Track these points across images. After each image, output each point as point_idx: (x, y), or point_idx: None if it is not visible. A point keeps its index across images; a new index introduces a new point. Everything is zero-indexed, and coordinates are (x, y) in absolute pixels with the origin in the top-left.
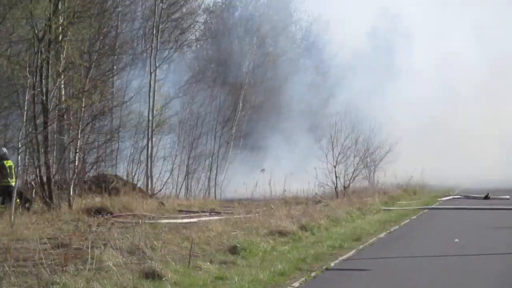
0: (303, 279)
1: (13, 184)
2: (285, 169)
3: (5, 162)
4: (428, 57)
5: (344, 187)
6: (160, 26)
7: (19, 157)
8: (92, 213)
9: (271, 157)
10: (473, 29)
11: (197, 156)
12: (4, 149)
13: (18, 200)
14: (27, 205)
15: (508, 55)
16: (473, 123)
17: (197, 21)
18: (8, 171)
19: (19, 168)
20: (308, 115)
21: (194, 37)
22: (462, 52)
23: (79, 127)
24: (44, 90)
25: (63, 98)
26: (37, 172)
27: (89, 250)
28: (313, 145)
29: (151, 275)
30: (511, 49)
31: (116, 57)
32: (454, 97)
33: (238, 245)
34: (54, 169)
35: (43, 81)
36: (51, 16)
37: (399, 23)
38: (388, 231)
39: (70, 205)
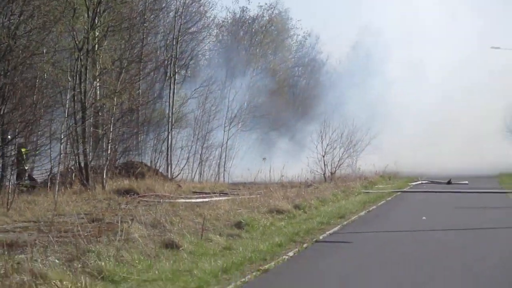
0: (297, 249)
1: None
2: (283, 158)
3: (22, 149)
4: (402, 61)
5: (331, 173)
6: (179, 38)
7: (61, 146)
8: (121, 193)
9: (271, 148)
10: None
11: (209, 146)
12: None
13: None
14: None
15: (468, 59)
16: (439, 119)
17: (210, 34)
18: (24, 157)
19: (61, 156)
20: (302, 113)
21: (207, 48)
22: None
23: (111, 122)
24: (82, 91)
25: (98, 98)
26: (77, 159)
27: (119, 224)
28: (306, 138)
29: (170, 245)
30: (469, 52)
31: (142, 64)
32: (420, 101)
33: (242, 221)
34: (90, 157)
35: (82, 83)
36: (89, 29)
37: (380, 35)
38: (367, 210)
39: (103, 187)
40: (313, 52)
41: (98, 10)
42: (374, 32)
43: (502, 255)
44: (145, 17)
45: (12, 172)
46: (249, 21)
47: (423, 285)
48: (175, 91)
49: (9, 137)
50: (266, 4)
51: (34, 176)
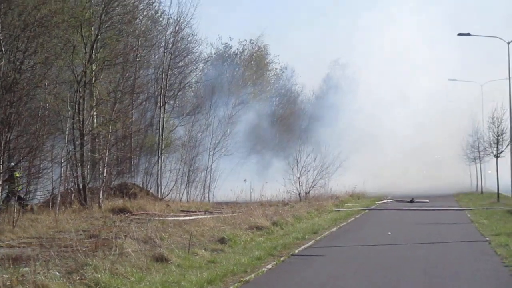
0: (275, 262)
1: (19, 189)
2: (262, 180)
3: (15, 173)
4: (369, 93)
5: (306, 193)
6: (168, 72)
7: (62, 169)
8: (116, 212)
9: (251, 171)
10: None
11: (195, 169)
12: (13, 163)
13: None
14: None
15: (430, 91)
16: (404, 145)
17: (197, 68)
18: (16, 180)
19: (61, 178)
20: (280, 139)
21: (194, 80)
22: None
23: (107, 147)
24: (81, 119)
25: (95, 125)
26: (75, 181)
27: (114, 240)
28: (283, 162)
29: (160, 259)
30: (431, 84)
31: (135, 95)
32: (386, 128)
33: (225, 237)
34: (88, 179)
35: (80, 112)
36: (87, 64)
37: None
38: (338, 227)
39: (99, 206)
40: (289, 84)
41: (95, 46)
42: (343, 65)
43: (456, 262)
44: (138, 53)
45: (3, 193)
46: (232, 56)
47: None
48: (165, 119)
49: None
50: (245, 40)
51: (23, 197)
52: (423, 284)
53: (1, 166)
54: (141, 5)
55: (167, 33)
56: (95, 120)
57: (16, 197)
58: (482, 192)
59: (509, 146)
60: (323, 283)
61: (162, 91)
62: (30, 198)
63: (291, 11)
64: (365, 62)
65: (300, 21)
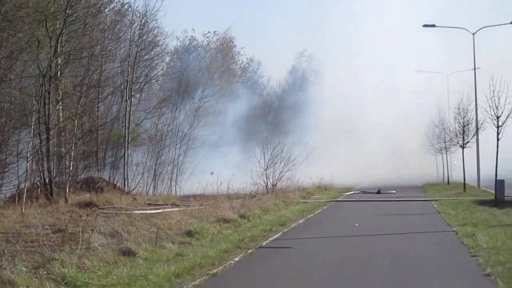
0: (242, 255)
1: None
2: (229, 172)
3: None
4: (335, 85)
5: (273, 185)
6: (135, 66)
7: (28, 164)
8: (82, 206)
9: (219, 163)
10: None
11: (162, 162)
12: None
13: None
14: None
15: (398, 82)
16: (370, 137)
17: (163, 61)
18: None
19: (27, 173)
20: (246, 132)
21: (160, 73)
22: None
23: (73, 141)
24: (46, 113)
25: (61, 120)
26: (42, 175)
27: (80, 234)
28: (250, 154)
29: (127, 252)
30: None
31: (100, 88)
32: (352, 120)
33: (192, 229)
34: (54, 173)
35: (46, 106)
36: (52, 58)
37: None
38: (305, 218)
39: (66, 200)
40: (255, 76)
41: (60, 40)
42: (308, 57)
43: (423, 253)
44: (104, 46)
45: None
46: (198, 49)
47: (358, 283)
48: (131, 113)
49: None
50: (209, 32)
51: None
52: (389, 275)
53: None
54: None
55: (133, 27)
56: (61, 114)
57: None
58: (448, 183)
59: (475, 137)
60: (291, 276)
61: (128, 84)
62: None
63: (260, 2)
64: (332, 55)
65: (268, 12)
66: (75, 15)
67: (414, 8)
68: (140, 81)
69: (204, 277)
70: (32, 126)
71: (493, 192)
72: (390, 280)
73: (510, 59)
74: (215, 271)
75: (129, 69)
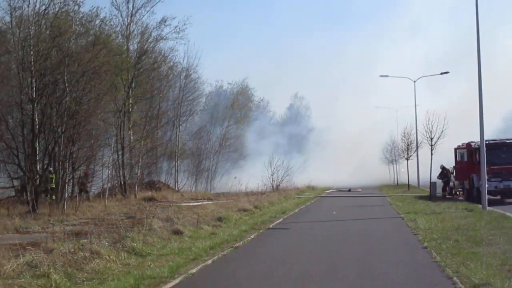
0: (256, 233)
1: (53, 187)
2: (247, 177)
3: (51, 175)
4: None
5: (277, 186)
6: (182, 103)
7: (109, 171)
8: (146, 200)
9: (240, 171)
10: None
11: (200, 170)
12: (50, 168)
13: (54, 196)
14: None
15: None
16: (342, 152)
17: (200, 101)
18: (53, 180)
19: (109, 177)
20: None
21: (199, 109)
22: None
23: (140, 156)
24: (122, 136)
25: (131, 141)
26: (119, 179)
27: (145, 220)
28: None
29: (177, 232)
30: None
31: (158, 119)
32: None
33: (222, 216)
34: (127, 177)
35: (121, 132)
36: (125, 98)
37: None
38: (299, 208)
39: (135, 196)
40: (265, 111)
41: (131, 86)
42: (300, 98)
43: (380, 231)
44: (161, 90)
45: (76, 190)
46: (225, 93)
47: (336, 250)
48: (179, 136)
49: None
50: (233, 81)
51: (88, 191)
52: (358, 244)
53: (68, 170)
54: (162, 57)
55: (181, 77)
56: (131, 137)
57: (78, 190)
58: (397, 184)
59: (416, 152)
60: (289, 246)
61: (177, 117)
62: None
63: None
64: (315, 90)
65: (273, 65)
66: (141, 69)
67: (373, 62)
68: (186, 114)
69: (230, 249)
70: (112, 145)
71: (428, 190)
72: (359, 247)
73: (441, 99)
74: (237, 245)
75: (178, 106)
